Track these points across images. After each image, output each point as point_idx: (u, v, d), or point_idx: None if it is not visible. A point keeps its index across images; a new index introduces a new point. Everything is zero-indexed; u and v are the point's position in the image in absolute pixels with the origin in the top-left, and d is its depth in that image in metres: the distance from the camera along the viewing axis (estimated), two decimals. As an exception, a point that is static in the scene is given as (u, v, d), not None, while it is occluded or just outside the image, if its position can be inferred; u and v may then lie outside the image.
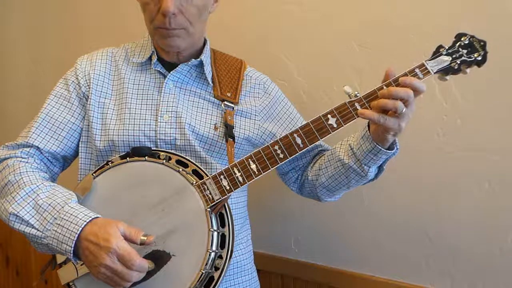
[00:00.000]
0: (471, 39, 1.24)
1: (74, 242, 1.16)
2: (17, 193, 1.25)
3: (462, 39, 1.24)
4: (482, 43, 1.23)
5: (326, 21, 1.77)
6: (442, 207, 1.58)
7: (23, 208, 1.22)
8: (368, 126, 1.29)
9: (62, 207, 1.21)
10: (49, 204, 1.22)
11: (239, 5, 1.98)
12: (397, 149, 1.30)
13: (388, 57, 1.62)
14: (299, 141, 1.25)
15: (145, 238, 1.18)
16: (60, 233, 1.18)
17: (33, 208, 1.23)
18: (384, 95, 1.18)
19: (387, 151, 1.27)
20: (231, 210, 1.29)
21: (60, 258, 1.36)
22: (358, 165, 1.33)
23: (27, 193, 1.25)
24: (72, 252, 1.17)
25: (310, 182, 1.48)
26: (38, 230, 1.20)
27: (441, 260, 1.59)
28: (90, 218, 1.19)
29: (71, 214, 1.19)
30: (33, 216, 1.22)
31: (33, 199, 1.24)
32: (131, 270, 1.14)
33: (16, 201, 1.24)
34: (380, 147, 1.26)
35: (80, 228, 1.17)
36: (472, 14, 1.48)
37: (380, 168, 1.37)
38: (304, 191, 1.54)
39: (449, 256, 1.58)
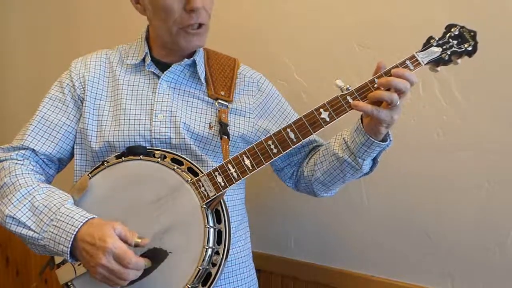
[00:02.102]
0: (461, 29, 1.23)
1: (70, 242, 1.17)
2: (13, 195, 1.26)
3: (452, 30, 1.24)
4: (472, 33, 1.23)
5: (326, 21, 1.77)
6: (442, 207, 1.58)
7: (20, 210, 1.23)
8: (361, 119, 1.29)
9: (58, 208, 1.22)
10: (45, 206, 1.23)
11: (239, 5, 1.99)
12: (390, 140, 1.30)
13: (388, 57, 1.60)
14: (292, 135, 1.25)
15: (140, 240, 1.19)
16: (56, 234, 1.18)
17: (29, 210, 1.23)
18: (382, 84, 1.18)
19: (380, 143, 1.27)
20: (227, 207, 1.29)
21: (58, 259, 1.37)
22: (353, 158, 1.33)
23: (23, 195, 1.26)
24: (68, 252, 1.17)
25: (305, 177, 1.48)
26: (34, 232, 1.21)
27: (441, 260, 1.59)
28: (86, 219, 1.19)
29: (67, 215, 1.20)
30: (29, 218, 1.22)
31: (29, 201, 1.24)
32: (127, 269, 1.15)
33: (12, 203, 1.24)
34: (373, 140, 1.26)
35: (76, 229, 1.17)
36: (473, 13, 1.48)
37: (374, 161, 1.37)
38: (300, 186, 1.54)
39: (449, 256, 1.57)
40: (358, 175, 1.38)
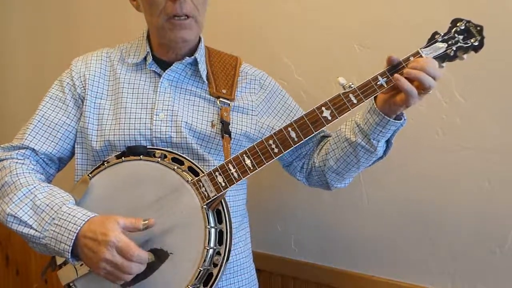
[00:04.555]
0: (467, 24, 1.22)
1: (72, 241, 1.16)
2: (15, 194, 1.25)
3: (458, 24, 1.23)
4: (478, 28, 1.22)
5: (326, 21, 1.77)
6: (442, 206, 1.58)
7: (21, 209, 1.23)
8: (374, 99, 1.28)
9: (60, 207, 1.21)
10: (47, 205, 1.22)
11: (239, 4, 1.98)
12: (404, 119, 1.30)
13: (388, 57, 1.62)
14: (293, 135, 1.25)
15: (146, 221, 1.18)
16: (58, 233, 1.18)
17: (31, 208, 1.23)
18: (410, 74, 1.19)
19: (396, 121, 1.27)
20: (229, 207, 1.28)
21: (59, 259, 1.36)
22: (366, 141, 1.32)
23: (24, 194, 1.25)
24: (70, 251, 1.16)
25: (318, 168, 1.47)
26: (36, 231, 1.20)
27: (441, 260, 1.59)
28: (89, 217, 1.19)
29: (69, 214, 1.19)
30: (31, 217, 1.22)
31: (31, 200, 1.24)
32: (131, 262, 1.14)
33: (13, 202, 1.24)
34: (388, 118, 1.25)
35: (79, 227, 1.17)
36: (473, 13, 1.47)
37: (388, 144, 1.36)
38: (312, 179, 1.52)
39: (449, 256, 1.58)
40: (372, 159, 1.36)
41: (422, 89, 1.19)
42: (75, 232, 1.16)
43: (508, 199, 1.47)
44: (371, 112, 1.29)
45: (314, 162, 1.49)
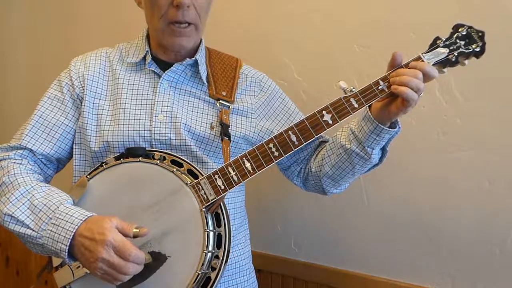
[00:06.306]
0: (469, 30, 1.21)
1: (69, 240, 1.15)
2: (12, 193, 1.25)
3: (460, 30, 1.22)
4: (480, 34, 1.21)
5: (327, 22, 1.77)
6: (442, 207, 1.57)
7: (18, 208, 1.22)
8: (369, 107, 1.28)
9: (58, 207, 1.21)
10: (45, 205, 1.22)
11: (239, 5, 1.98)
12: (399, 127, 1.29)
13: (388, 57, 1.60)
14: (294, 138, 1.24)
15: (138, 230, 1.17)
16: (55, 233, 1.17)
17: (28, 208, 1.22)
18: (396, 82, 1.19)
19: (390, 129, 1.26)
20: (228, 210, 1.28)
21: (56, 261, 1.36)
22: (361, 148, 1.31)
23: (22, 194, 1.25)
24: (67, 251, 1.16)
25: (314, 174, 1.47)
26: (33, 230, 1.20)
27: (441, 260, 1.59)
28: (86, 217, 1.18)
29: (67, 214, 1.19)
30: (28, 216, 1.21)
31: (28, 200, 1.23)
32: (128, 262, 1.13)
33: (11, 202, 1.23)
34: (382, 126, 1.25)
35: (76, 227, 1.16)
36: (472, 13, 1.48)
37: (383, 151, 1.36)
38: (309, 184, 1.52)
39: (449, 256, 1.57)
40: (367, 166, 1.36)
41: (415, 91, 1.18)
42: (72, 232, 1.16)
43: (508, 199, 1.47)
44: (365, 119, 1.28)
45: (310, 167, 1.49)
